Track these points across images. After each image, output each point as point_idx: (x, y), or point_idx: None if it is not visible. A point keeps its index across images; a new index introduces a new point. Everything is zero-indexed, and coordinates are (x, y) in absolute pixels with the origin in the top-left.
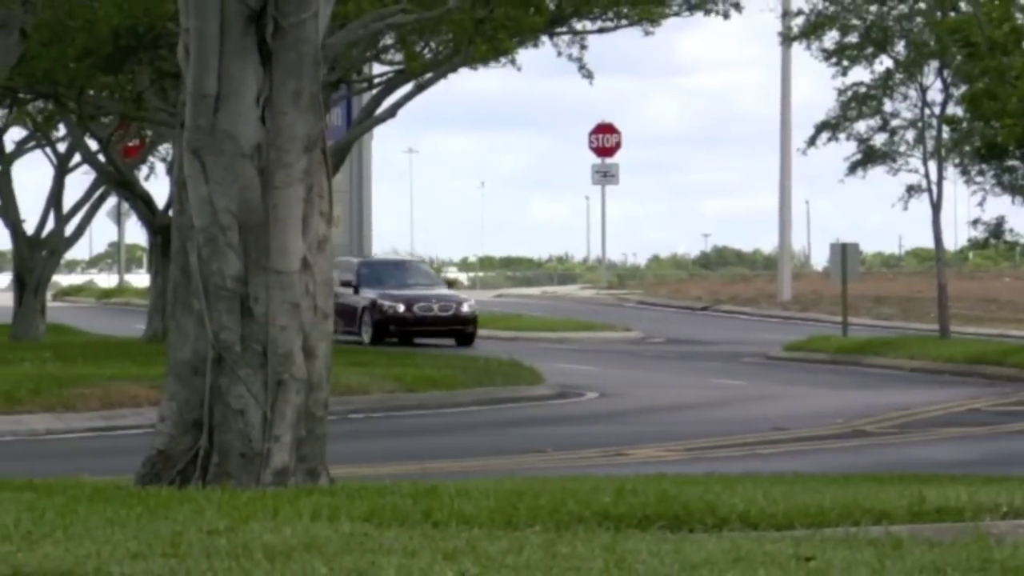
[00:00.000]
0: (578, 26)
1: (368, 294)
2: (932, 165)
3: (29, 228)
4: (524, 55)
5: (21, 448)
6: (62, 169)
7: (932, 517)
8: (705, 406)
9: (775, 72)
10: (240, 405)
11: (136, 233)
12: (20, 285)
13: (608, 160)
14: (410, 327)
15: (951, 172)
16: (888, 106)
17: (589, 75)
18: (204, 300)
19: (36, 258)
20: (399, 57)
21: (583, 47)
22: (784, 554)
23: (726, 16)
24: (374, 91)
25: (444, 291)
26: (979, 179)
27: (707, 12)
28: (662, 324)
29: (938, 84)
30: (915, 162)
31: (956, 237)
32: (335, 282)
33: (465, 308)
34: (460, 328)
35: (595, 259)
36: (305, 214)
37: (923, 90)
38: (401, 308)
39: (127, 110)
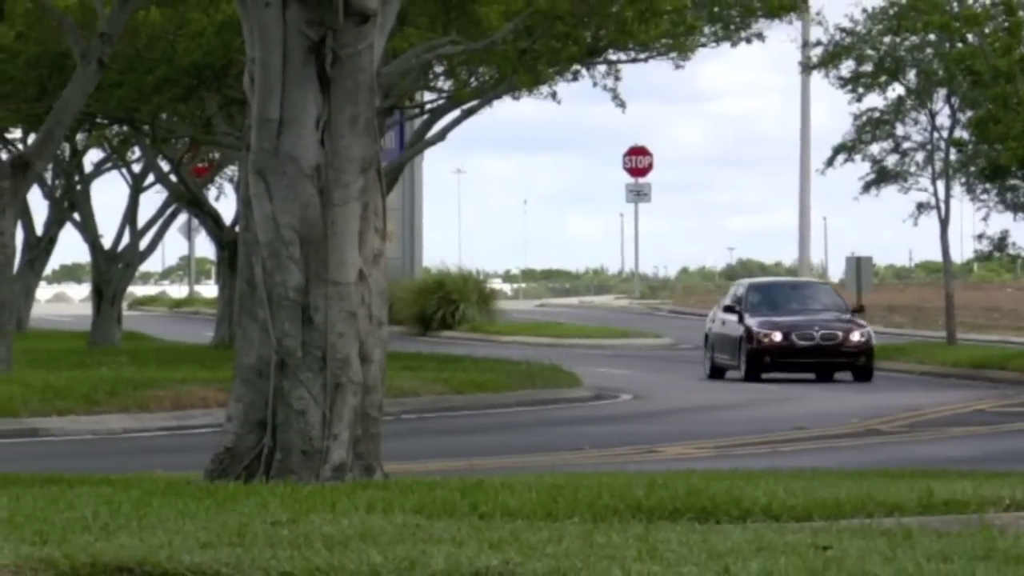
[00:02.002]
0: (612, 57)
1: (749, 321)
2: (940, 184)
3: (106, 243)
4: (562, 83)
5: (99, 446)
6: (137, 188)
7: (940, 510)
8: (731, 407)
9: (791, 98)
10: (301, 406)
11: (205, 247)
12: (98, 295)
13: (641, 180)
14: (786, 358)
15: (958, 191)
16: (900, 130)
17: (622, 104)
18: (268, 309)
19: (113, 270)
20: (448, 85)
21: (617, 79)
22: (803, 544)
23: (749, 41)
24: (425, 116)
25: (836, 316)
26: (984, 197)
27: (734, 44)
28: (691, 331)
29: (946, 110)
30: (924, 181)
31: (962, 251)
32: (720, 307)
33: (856, 336)
34: (847, 360)
35: (629, 271)
36: (361, 230)
37: (932, 115)
38: (777, 337)
39: (197, 134)
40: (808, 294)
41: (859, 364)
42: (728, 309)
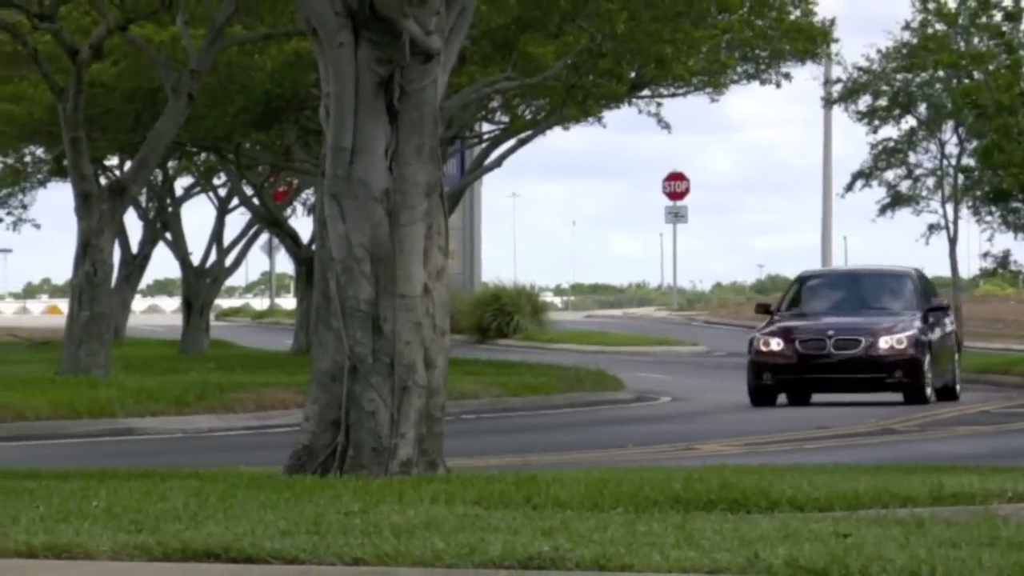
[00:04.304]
0: (654, 91)
1: (773, 324)
2: (949, 207)
3: (195, 260)
4: (607, 115)
5: (189, 444)
6: (222, 210)
7: (950, 501)
8: (759, 408)
9: (813, 129)
10: (372, 407)
11: (284, 264)
12: (188, 307)
13: (678, 203)
14: (791, 375)
15: (965, 213)
16: (912, 158)
17: (667, 126)
18: (341, 319)
19: (201, 285)
20: (504, 117)
21: (659, 104)
22: (826, 532)
23: (778, 85)
24: (483, 145)
25: (886, 317)
26: (988, 219)
27: (763, 83)
28: (724, 340)
29: (954, 140)
30: (935, 205)
31: (969, 267)
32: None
33: (884, 343)
34: (875, 376)
35: (668, 286)
36: (426, 248)
37: (942, 145)
38: (776, 345)
39: (277, 161)
40: (872, 287)
41: (892, 381)
42: (762, 309)
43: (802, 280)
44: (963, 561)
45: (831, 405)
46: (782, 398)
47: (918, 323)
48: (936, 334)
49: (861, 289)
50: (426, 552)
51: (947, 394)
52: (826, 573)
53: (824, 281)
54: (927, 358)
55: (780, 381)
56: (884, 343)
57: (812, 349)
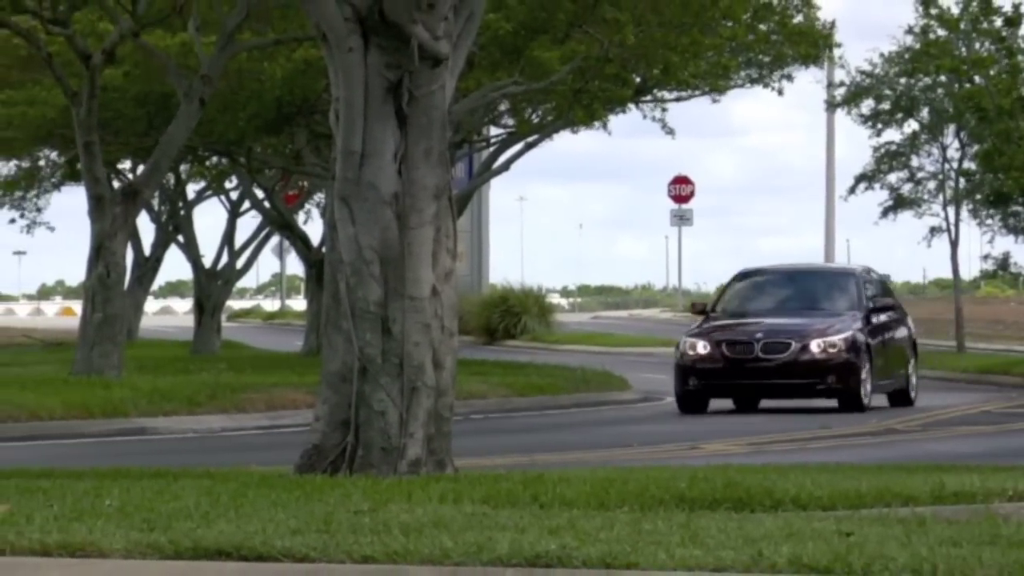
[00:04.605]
0: (659, 95)
1: (703, 326)
2: (951, 210)
3: (207, 262)
4: (612, 120)
5: (200, 443)
6: (234, 213)
7: (951, 500)
8: (763, 409)
9: (816, 133)
10: (381, 407)
11: (295, 266)
12: (200, 309)
13: (683, 206)
14: (717, 380)
15: (966, 216)
16: (914, 161)
17: (671, 132)
18: (351, 321)
19: (212, 287)
20: (511, 121)
21: (664, 109)
22: (828, 530)
23: (780, 93)
24: (491, 149)
25: (824, 318)
26: (989, 222)
27: (765, 86)
28: None
29: (956, 143)
30: (936, 208)
31: (970, 269)
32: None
33: (816, 347)
34: (806, 381)
35: (673, 287)
36: (434, 250)
37: (943, 148)
38: (703, 348)
39: (288, 165)
40: (812, 286)
41: (823, 387)
42: (697, 309)
43: (739, 279)
44: (964, 559)
45: (794, 412)
46: (728, 404)
47: (857, 324)
48: (881, 336)
49: (800, 288)
50: (434, 550)
51: (901, 399)
52: (829, 571)
53: (762, 280)
54: (866, 362)
55: (707, 386)
56: (816, 346)
57: (739, 353)
